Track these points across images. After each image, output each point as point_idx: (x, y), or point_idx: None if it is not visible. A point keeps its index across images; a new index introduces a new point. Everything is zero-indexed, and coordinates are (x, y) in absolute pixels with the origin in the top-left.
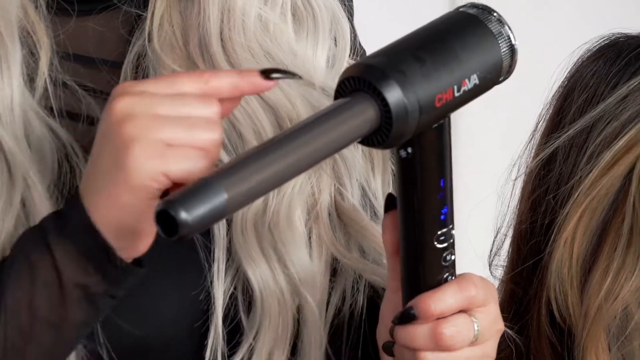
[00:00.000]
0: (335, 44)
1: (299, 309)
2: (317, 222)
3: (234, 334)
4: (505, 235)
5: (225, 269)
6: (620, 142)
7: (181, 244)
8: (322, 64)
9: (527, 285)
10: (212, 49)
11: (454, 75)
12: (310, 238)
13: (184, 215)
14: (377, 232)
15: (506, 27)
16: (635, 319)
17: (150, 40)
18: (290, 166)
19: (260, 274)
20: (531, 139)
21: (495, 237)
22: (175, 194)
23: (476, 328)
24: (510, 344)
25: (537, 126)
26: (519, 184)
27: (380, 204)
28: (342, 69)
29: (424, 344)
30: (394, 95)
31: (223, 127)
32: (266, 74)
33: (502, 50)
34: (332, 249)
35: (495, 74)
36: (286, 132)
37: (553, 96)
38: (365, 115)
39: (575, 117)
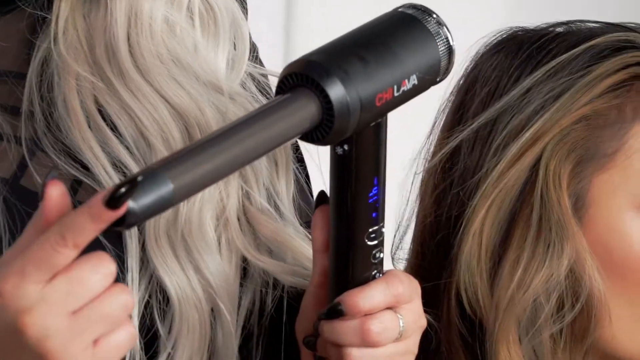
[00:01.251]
0: (235, 47)
1: (214, 315)
2: (226, 227)
3: (151, 344)
4: (407, 227)
5: (139, 277)
6: (527, 134)
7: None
8: (223, 67)
9: (436, 278)
10: (120, 54)
11: (394, 76)
12: (220, 243)
13: (131, 204)
14: (286, 234)
15: (444, 28)
16: (546, 310)
17: (55, 43)
18: (235, 158)
19: (178, 282)
20: (430, 134)
21: (397, 230)
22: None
23: (401, 324)
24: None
25: (435, 121)
26: (418, 177)
27: (284, 205)
28: (242, 72)
29: (351, 340)
30: (336, 92)
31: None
32: (111, 203)
33: (440, 51)
34: (244, 252)
35: (434, 74)
36: (231, 125)
37: (452, 91)
38: (307, 110)
39: (478, 111)
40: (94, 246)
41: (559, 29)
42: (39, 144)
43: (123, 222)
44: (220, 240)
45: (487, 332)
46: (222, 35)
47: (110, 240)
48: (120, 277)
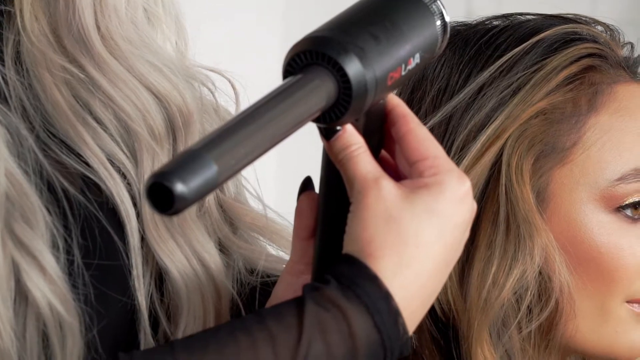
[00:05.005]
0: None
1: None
2: (206, 216)
3: (155, 332)
4: None
5: (143, 272)
6: (488, 131)
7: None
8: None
9: None
10: (92, 42)
11: (402, 54)
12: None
13: (180, 187)
14: (264, 219)
15: (438, 2)
16: (522, 309)
17: (25, 36)
18: (266, 138)
19: (181, 266)
20: None
21: None
22: (167, 166)
23: None
24: None
25: None
26: None
27: (244, 191)
28: (188, 55)
29: None
30: (354, 69)
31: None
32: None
33: (437, 28)
34: (225, 240)
35: (431, 53)
36: (256, 106)
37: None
38: (325, 88)
39: (430, 109)
40: (106, 243)
41: (499, 22)
42: (43, 141)
43: (171, 207)
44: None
45: (461, 334)
46: (169, 26)
47: (118, 238)
48: (128, 275)
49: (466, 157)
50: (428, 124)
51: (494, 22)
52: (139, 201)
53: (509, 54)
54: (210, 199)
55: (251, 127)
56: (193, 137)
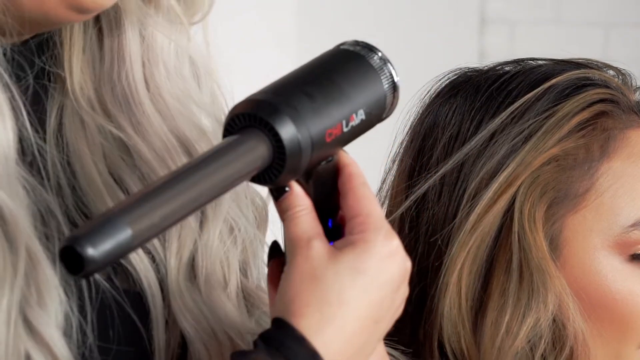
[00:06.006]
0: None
1: None
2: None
3: None
4: None
5: (166, 347)
6: (500, 179)
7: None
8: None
9: (415, 330)
10: (141, 100)
11: (342, 111)
12: None
13: (91, 251)
14: None
15: (388, 64)
16: (536, 358)
17: (76, 103)
18: (190, 201)
19: (208, 339)
20: (383, 183)
21: None
22: (80, 230)
23: None
24: None
25: (389, 170)
26: None
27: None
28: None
29: None
30: (287, 130)
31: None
32: None
33: (385, 87)
34: (244, 332)
35: (380, 110)
36: (184, 168)
37: (404, 139)
38: (257, 150)
39: (442, 157)
40: (128, 330)
41: (510, 68)
42: (73, 219)
43: (82, 270)
44: None
45: None
46: (217, 80)
47: (142, 324)
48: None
49: (478, 205)
50: (440, 172)
51: (506, 68)
52: (165, 284)
53: (520, 101)
54: (232, 284)
55: (173, 190)
56: (222, 208)
